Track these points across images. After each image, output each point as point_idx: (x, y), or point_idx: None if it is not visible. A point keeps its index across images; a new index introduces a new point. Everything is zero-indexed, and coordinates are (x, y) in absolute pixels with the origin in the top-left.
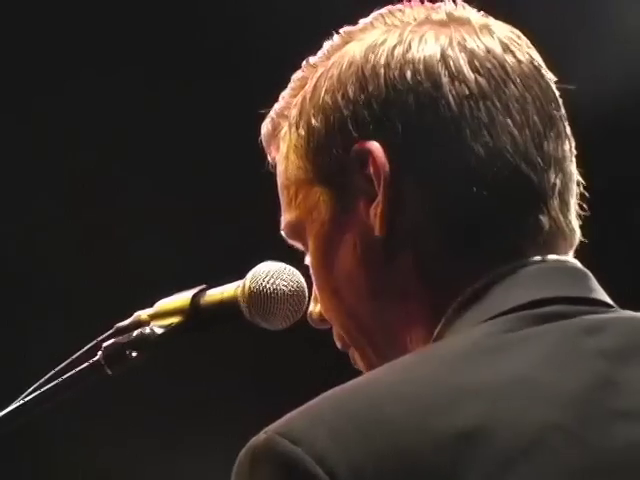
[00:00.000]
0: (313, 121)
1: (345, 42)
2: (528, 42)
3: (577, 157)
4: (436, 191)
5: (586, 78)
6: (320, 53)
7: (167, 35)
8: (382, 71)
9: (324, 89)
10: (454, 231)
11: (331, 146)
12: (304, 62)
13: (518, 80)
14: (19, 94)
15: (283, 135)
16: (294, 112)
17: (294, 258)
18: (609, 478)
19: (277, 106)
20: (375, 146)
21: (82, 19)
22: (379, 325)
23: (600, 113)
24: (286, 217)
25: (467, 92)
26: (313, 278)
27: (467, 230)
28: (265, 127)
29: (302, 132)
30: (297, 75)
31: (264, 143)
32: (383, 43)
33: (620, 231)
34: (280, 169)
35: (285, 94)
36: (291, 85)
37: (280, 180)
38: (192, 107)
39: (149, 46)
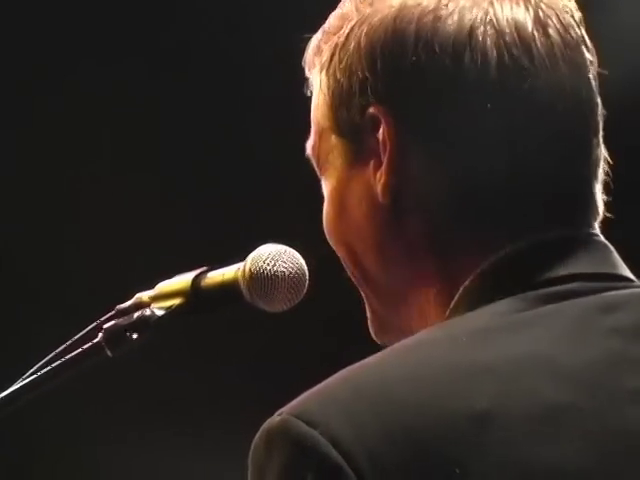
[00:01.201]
0: (338, 75)
1: None
2: (572, 5)
3: None
4: (447, 167)
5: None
6: None
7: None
8: (410, 41)
9: (352, 45)
10: (466, 205)
11: (351, 103)
12: None
13: (546, 62)
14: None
15: (319, 70)
16: (326, 55)
17: (293, 242)
18: (625, 458)
19: (320, 35)
20: (387, 115)
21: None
22: (386, 280)
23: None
24: (310, 146)
25: (489, 77)
26: (324, 214)
27: (480, 203)
28: (307, 52)
29: (330, 81)
30: (341, 9)
31: (305, 64)
32: (417, 5)
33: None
34: (313, 99)
35: (328, 26)
36: (332, 20)
37: (312, 108)
38: (188, 93)
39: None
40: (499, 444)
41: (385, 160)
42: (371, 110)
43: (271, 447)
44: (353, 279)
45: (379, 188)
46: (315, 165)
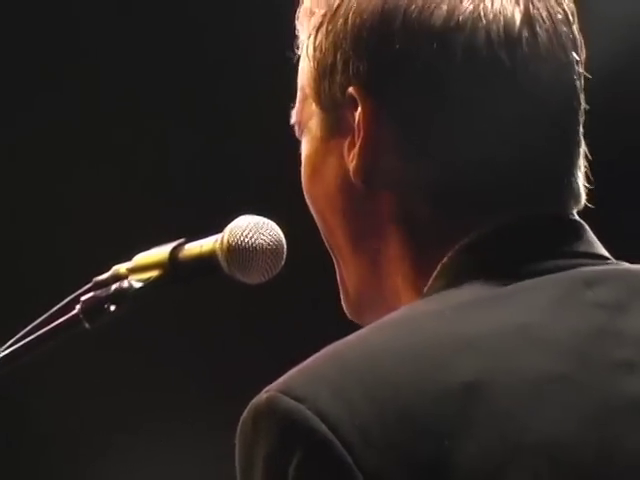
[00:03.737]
0: (324, 47)
1: None
2: None
3: None
4: (423, 154)
5: None
6: None
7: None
8: (396, 28)
9: (340, 21)
10: (442, 190)
11: (333, 78)
12: None
13: (528, 61)
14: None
15: (307, 34)
16: (315, 22)
17: (272, 213)
18: (614, 428)
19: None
20: (365, 98)
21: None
22: (354, 253)
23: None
24: (295, 109)
25: (472, 71)
26: (302, 174)
27: (456, 187)
28: (300, 8)
29: (316, 51)
30: None
31: (297, 20)
32: None
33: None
34: (300, 61)
35: None
36: None
37: (299, 70)
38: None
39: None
40: (487, 416)
41: (359, 142)
42: (351, 90)
43: (259, 423)
44: (327, 245)
45: (351, 168)
46: (296, 126)
